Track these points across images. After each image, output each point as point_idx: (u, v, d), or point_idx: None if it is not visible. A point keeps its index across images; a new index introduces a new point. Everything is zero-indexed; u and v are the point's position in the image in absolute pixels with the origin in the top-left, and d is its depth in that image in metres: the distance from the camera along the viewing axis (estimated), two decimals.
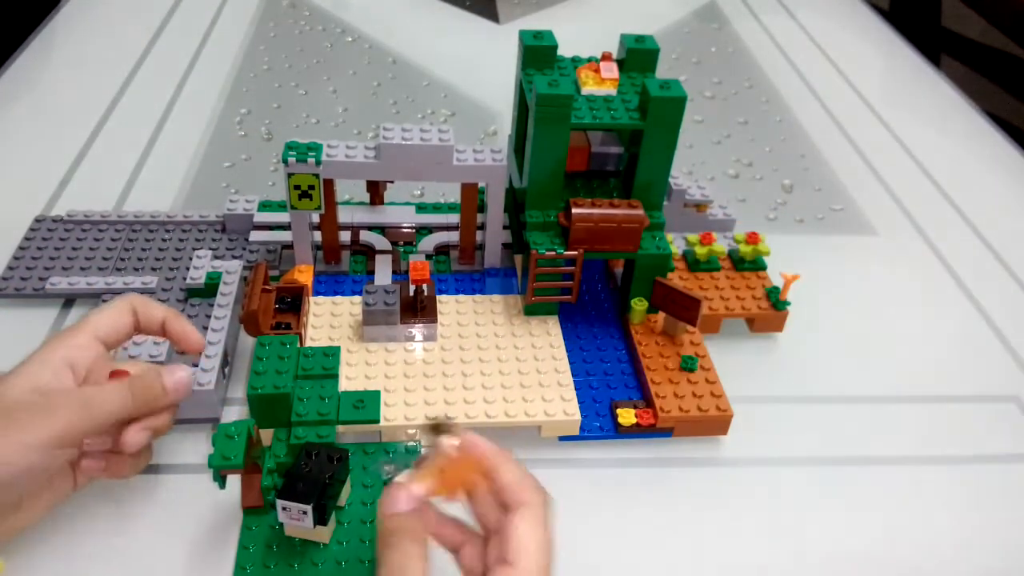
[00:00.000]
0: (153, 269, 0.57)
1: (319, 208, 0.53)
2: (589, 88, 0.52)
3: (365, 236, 0.60)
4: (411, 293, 0.52)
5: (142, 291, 0.55)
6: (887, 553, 0.45)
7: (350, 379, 0.49)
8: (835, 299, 0.62)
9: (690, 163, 0.76)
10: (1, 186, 0.67)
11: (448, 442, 0.35)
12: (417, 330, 0.52)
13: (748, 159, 0.78)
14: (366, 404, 0.46)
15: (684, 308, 0.51)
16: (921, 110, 0.89)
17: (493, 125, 0.80)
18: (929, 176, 0.78)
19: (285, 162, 0.51)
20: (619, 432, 0.49)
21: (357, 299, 0.55)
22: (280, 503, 0.38)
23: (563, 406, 0.48)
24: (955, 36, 1.32)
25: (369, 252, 0.59)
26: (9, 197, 0.65)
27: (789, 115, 0.85)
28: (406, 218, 0.61)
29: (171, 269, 0.57)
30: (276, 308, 0.51)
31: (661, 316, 0.54)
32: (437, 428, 0.35)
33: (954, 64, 1.29)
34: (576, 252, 0.51)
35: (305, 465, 0.40)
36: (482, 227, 0.58)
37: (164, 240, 0.60)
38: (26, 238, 0.59)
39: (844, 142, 0.82)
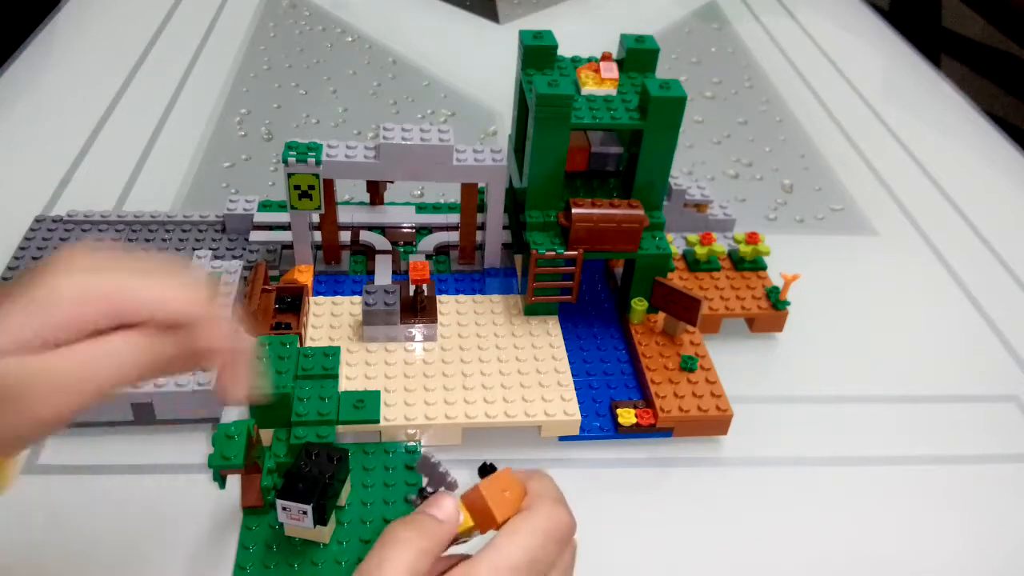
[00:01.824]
0: None
1: (319, 208, 0.53)
2: (589, 88, 0.52)
3: (365, 236, 0.60)
4: (411, 293, 0.52)
5: None
6: (886, 553, 0.45)
7: (350, 379, 0.49)
8: (835, 299, 0.62)
9: (690, 163, 0.76)
10: (1, 186, 0.67)
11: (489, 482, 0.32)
12: (417, 330, 0.52)
13: (748, 159, 0.78)
14: (366, 404, 0.46)
15: (684, 308, 0.51)
16: (921, 110, 0.89)
17: (493, 125, 0.80)
18: (929, 176, 0.78)
19: (285, 162, 0.51)
20: (619, 432, 0.49)
21: (357, 299, 0.55)
22: (280, 503, 0.38)
23: (563, 406, 0.48)
24: (955, 36, 1.32)
25: (369, 252, 0.59)
26: (9, 197, 0.65)
27: (789, 115, 0.85)
28: (406, 218, 0.61)
29: None
30: (276, 308, 0.51)
31: (661, 316, 0.54)
32: (483, 471, 0.33)
33: (954, 64, 1.29)
34: (576, 252, 0.51)
35: (305, 465, 0.40)
36: (482, 227, 0.58)
37: (164, 240, 0.60)
38: (26, 238, 0.59)
39: (844, 142, 0.82)
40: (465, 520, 0.31)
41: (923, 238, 0.70)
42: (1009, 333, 0.61)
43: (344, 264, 0.58)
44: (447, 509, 0.31)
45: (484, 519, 0.31)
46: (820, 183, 0.75)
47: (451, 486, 0.32)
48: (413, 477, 0.45)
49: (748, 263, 0.59)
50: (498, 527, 0.30)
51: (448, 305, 0.55)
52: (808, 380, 0.55)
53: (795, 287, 0.56)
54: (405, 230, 0.60)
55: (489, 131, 0.79)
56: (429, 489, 0.32)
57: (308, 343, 0.51)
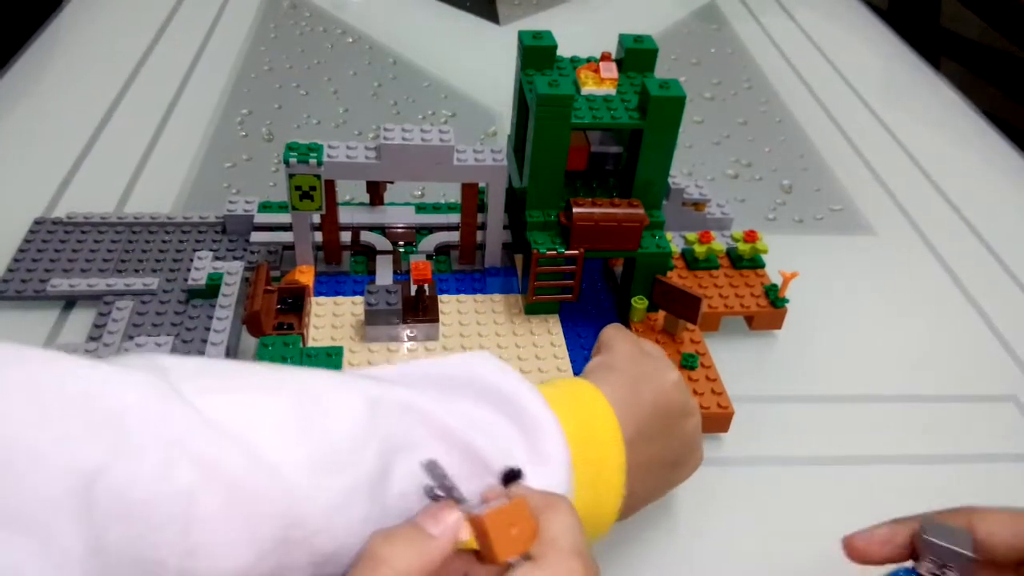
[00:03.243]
0: (154, 271, 0.57)
1: (320, 209, 0.53)
2: (589, 88, 0.52)
3: (366, 236, 0.60)
4: (412, 293, 0.52)
5: (143, 292, 0.55)
6: None
7: None
8: (834, 299, 0.62)
9: (690, 163, 0.76)
10: (2, 188, 0.67)
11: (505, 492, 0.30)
12: (419, 330, 0.52)
13: (747, 159, 0.78)
14: None
15: (684, 306, 0.51)
16: (920, 110, 0.89)
17: (493, 126, 0.80)
18: (928, 176, 0.78)
19: (286, 163, 0.51)
20: None
21: (358, 299, 0.55)
22: None
23: None
24: (954, 36, 1.32)
25: (370, 252, 0.59)
26: (10, 199, 0.65)
27: (788, 116, 0.85)
28: (406, 218, 0.61)
29: (172, 271, 0.57)
30: (278, 309, 0.52)
31: (661, 314, 0.54)
32: (508, 478, 0.31)
33: (953, 65, 1.29)
34: (577, 251, 0.51)
35: None
36: (482, 227, 0.58)
37: (164, 242, 0.60)
38: (26, 240, 0.59)
39: (843, 142, 0.82)
40: (469, 541, 0.28)
41: (922, 238, 0.70)
42: (1008, 333, 0.61)
43: (345, 265, 0.58)
44: (445, 524, 0.28)
45: (486, 552, 0.28)
46: (819, 183, 0.76)
47: (457, 499, 0.29)
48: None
49: (746, 261, 0.59)
50: (500, 565, 0.27)
51: (449, 305, 0.55)
52: (808, 379, 0.55)
53: (794, 287, 0.57)
54: (405, 230, 0.61)
55: (489, 131, 0.79)
56: (439, 492, 0.29)
57: (311, 343, 0.52)
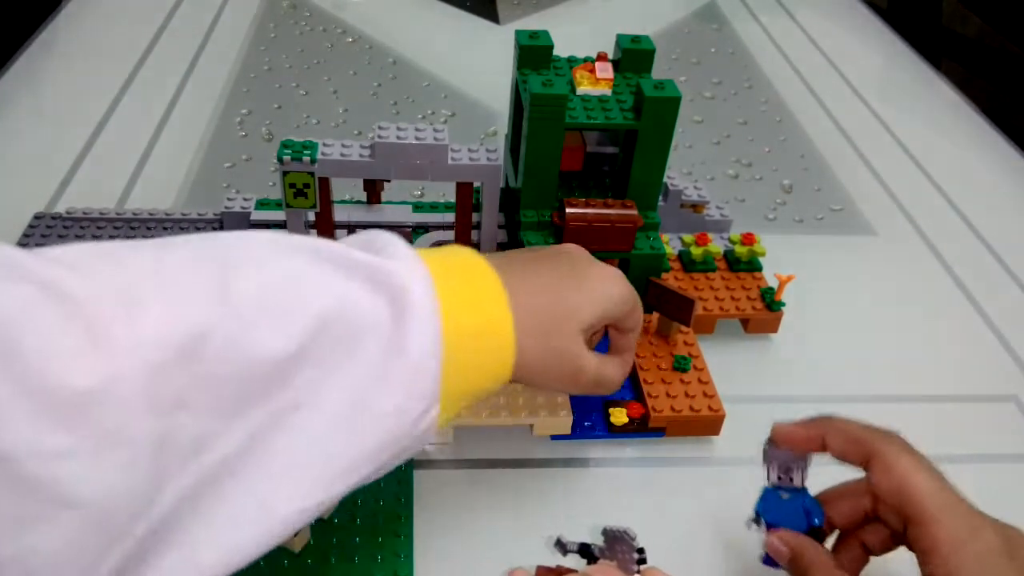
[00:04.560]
0: None
1: (314, 206, 0.53)
2: (584, 88, 0.52)
3: None
4: None
5: None
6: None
7: None
8: (834, 299, 0.62)
9: (690, 163, 0.76)
10: (3, 185, 0.67)
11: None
12: None
13: (748, 159, 0.78)
14: None
15: (677, 308, 0.51)
16: (921, 110, 0.88)
17: (493, 126, 0.80)
18: (928, 176, 0.77)
19: (280, 160, 0.51)
20: (611, 431, 0.49)
21: None
22: None
23: (555, 405, 0.48)
24: (954, 36, 1.32)
25: None
26: (11, 196, 0.65)
27: (789, 115, 0.85)
28: (402, 217, 0.61)
29: None
30: None
31: (655, 316, 0.54)
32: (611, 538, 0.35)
33: (953, 65, 1.29)
34: None
35: None
36: (477, 226, 0.58)
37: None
38: (25, 235, 0.59)
39: (843, 142, 0.81)
40: None
41: (922, 238, 0.70)
42: (1008, 333, 0.61)
43: None
44: None
45: None
46: (819, 183, 0.75)
47: (628, 571, 0.34)
48: (405, 490, 0.45)
49: (744, 264, 0.59)
50: None
51: None
52: (804, 381, 0.55)
53: (794, 288, 0.56)
54: (401, 229, 0.61)
55: (489, 131, 0.79)
56: (596, 553, 0.34)
57: None
